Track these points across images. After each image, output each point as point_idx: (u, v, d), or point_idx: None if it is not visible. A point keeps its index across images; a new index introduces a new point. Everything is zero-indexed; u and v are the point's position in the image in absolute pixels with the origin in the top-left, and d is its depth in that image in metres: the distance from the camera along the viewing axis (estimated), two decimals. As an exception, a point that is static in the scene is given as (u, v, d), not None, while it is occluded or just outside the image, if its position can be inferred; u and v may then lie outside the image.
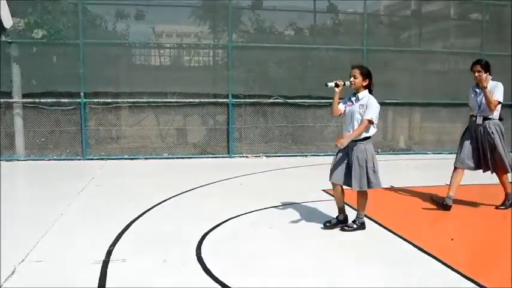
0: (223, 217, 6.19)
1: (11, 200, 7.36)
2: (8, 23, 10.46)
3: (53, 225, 5.88)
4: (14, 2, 10.56)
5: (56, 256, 4.85)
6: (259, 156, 11.37)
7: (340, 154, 5.72)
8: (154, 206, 6.80)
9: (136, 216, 6.29)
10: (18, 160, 10.73)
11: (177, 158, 11.18)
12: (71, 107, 10.98)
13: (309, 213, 6.48)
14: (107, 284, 4.17)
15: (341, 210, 5.88)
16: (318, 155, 11.43)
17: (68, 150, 11.08)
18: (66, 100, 10.88)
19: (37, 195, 7.83)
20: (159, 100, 11.32)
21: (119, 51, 11.78)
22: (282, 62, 11.87)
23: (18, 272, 4.43)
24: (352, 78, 5.59)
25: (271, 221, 6.16)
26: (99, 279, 4.27)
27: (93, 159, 10.88)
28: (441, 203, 6.81)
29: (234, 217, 6.26)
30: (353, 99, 5.66)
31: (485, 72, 6.58)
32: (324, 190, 7.70)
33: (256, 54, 11.83)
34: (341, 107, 5.71)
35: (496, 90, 6.59)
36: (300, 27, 12.19)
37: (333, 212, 6.01)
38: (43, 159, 10.80)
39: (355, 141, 5.54)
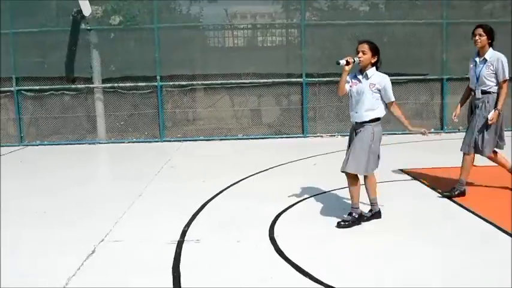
0: (297, 198, 6.14)
1: (93, 181, 7.66)
2: (87, 11, 10.79)
3: (131, 206, 6.05)
4: (92, -10, 10.89)
5: (133, 236, 4.99)
6: (334, 136, 11.19)
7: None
8: (229, 187, 6.85)
9: (211, 196, 6.36)
10: (100, 143, 11.14)
11: (251, 138, 11.22)
12: (148, 91, 11.25)
13: (384, 194, 6.29)
14: (181, 264, 4.24)
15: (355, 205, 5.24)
16: (396, 133, 11.07)
17: (146, 133, 11.38)
18: (143, 84, 11.16)
19: (116, 177, 8.11)
20: (233, 81, 11.36)
21: (193, 34, 11.89)
22: (356, 38, 11.51)
23: (97, 251, 4.59)
24: (360, 54, 5.02)
25: (345, 201, 6.04)
26: (174, 259, 4.34)
27: (170, 141, 11.12)
28: (454, 191, 6.16)
29: (308, 197, 6.19)
30: (359, 77, 5.10)
31: (488, 39, 5.94)
32: (401, 170, 7.47)
33: (329, 32, 11.58)
34: (346, 86, 5.15)
35: (499, 65, 5.90)
36: (375, 2, 11.78)
37: (410, 193, 5.81)
38: (123, 142, 11.17)
39: (362, 123, 5.07)
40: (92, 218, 5.61)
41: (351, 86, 5.13)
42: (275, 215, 5.49)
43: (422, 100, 11.57)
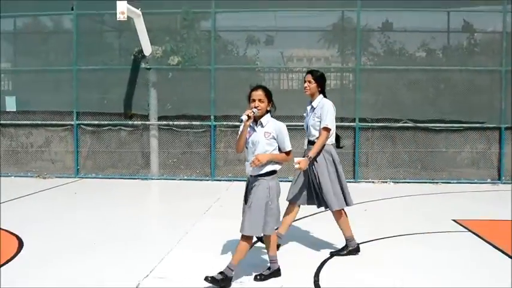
0: (344, 243, 6.01)
1: (142, 216, 7.77)
2: (147, 50, 11.20)
3: (177, 243, 6.09)
4: (153, 31, 11.28)
5: (177, 273, 5.00)
6: (386, 182, 10.98)
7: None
8: (276, 229, 6.78)
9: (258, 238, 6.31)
10: (152, 179, 11.34)
11: (302, 181, 11.13)
12: (201, 130, 11.44)
13: (437, 245, 6.11)
14: (223, 305, 4.21)
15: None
16: (450, 182, 10.79)
17: (197, 171, 11.52)
18: (197, 123, 11.36)
19: (165, 213, 8.20)
20: (286, 123, 11.36)
21: (249, 75, 12.06)
22: (412, 84, 11.42)
23: (141, 286, 4.61)
24: (257, 103, 4.71)
25: (396, 250, 5.89)
26: (216, 300, 4.32)
27: (220, 180, 11.20)
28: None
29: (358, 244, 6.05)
30: (253, 125, 4.82)
31: (318, 87, 5.73)
32: (454, 220, 7.23)
33: (385, 77, 11.53)
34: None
35: (323, 112, 5.63)
36: (432, 48, 11.66)
37: (465, 245, 5.59)
38: (174, 179, 11.32)
39: (257, 177, 4.80)
40: (139, 253, 5.68)
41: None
42: (321, 261, 5.40)
43: (479, 149, 11.24)
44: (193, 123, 11.40)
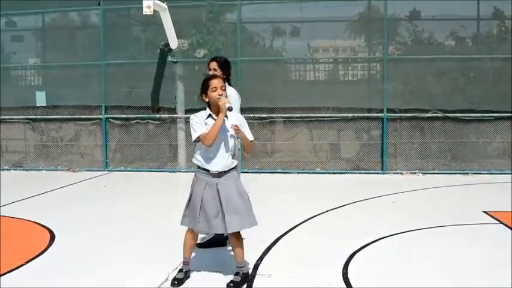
0: (373, 236, 5.98)
1: (169, 208, 7.82)
2: (174, 44, 11.24)
3: (205, 236, 6.11)
4: (180, 24, 11.32)
5: (205, 266, 5.01)
6: (415, 173, 10.85)
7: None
8: (304, 221, 6.79)
9: (286, 231, 6.32)
10: (180, 172, 11.42)
11: (329, 173, 11.09)
12: (228, 122, 11.44)
13: (467, 238, 6.02)
14: (252, 299, 4.22)
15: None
16: (480, 173, 10.62)
17: (224, 164, 11.54)
18: (224, 115, 11.37)
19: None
20: (312, 115, 11.35)
21: (275, 67, 12.05)
22: (441, 74, 11.22)
23: (169, 279, 4.66)
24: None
25: (424, 243, 5.82)
26: (245, 293, 4.34)
27: (247, 172, 11.18)
28: None
29: (385, 237, 6.01)
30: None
31: (224, 74, 5.48)
32: (485, 212, 7.12)
33: (413, 67, 11.36)
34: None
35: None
36: (462, 36, 11.45)
37: (496, 237, 5.49)
38: (201, 172, 11.35)
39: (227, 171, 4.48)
40: (167, 245, 5.68)
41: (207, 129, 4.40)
42: (350, 254, 5.37)
43: (510, 139, 11.01)
44: (220, 115, 11.40)
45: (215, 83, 4.45)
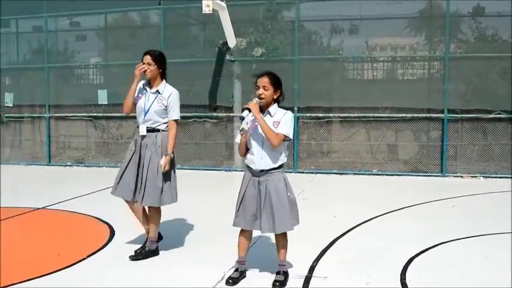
0: (432, 241, 5.83)
1: (226, 208, 7.88)
2: (232, 43, 11.31)
3: (259, 237, 6.12)
4: (238, 23, 11.38)
5: (259, 267, 5.02)
6: (476, 177, 10.49)
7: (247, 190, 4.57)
8: (360, 224, 6.71)
9: (341, 233, 6.26)
10: (235, 171, 11.49)
11: (386, 174, 10.88)
12: (285, 121, 11.41)
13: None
14: (308, 302, 4.20)
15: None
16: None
17: (280, 163, 11.53)
18: (280, 114, 11.35)
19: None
20: (370, 115, 11.18)
21: (332, 65, 11.94)
22: (505, 72, 10.80)
23: (226, 276, 4.70)
24: (261, 90, 4.40)
25: (485, 250, 5.63)
26: (300, 296, 4.32)
27: (303, 172, 11.16)
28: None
29: (444, 242, 5.85)
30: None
31: (159, 68, 5.39)
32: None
33: (476, 65, 10.99)
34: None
35: (173, 102, 5.40)
36: (529, 32, 11.01)
37: None
38: (258, 170, 11.39)
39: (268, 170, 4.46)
40: (224, 244, 5.71)
41: (249, 128, 4.48)
42: (408, 258, 5.26)
43: None
44: (277, 114, 11.40)
45: (258, 81, 4.45)
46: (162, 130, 5.35)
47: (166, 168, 5.28)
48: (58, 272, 4.96)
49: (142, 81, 5.49)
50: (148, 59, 5.35)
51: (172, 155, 5.37)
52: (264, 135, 4.37)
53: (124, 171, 5.36)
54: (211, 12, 10.13)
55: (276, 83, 4.45)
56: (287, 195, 4.49)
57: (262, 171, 4.46)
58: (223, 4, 10.62)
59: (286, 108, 10.82)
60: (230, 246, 5.12)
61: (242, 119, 4.48)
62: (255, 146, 4.48)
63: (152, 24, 12.79)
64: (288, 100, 11.24)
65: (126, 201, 5.50)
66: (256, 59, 11.48)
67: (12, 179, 10.63)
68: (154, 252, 5.44)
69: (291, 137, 4.45)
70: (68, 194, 8.67)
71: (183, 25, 12.88)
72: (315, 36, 12.04)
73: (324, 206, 7.95)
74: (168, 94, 5.39)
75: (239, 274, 4.70)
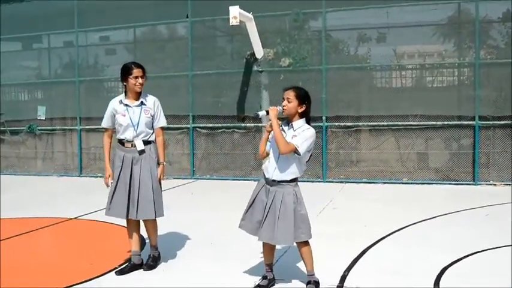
0: (466, 250, 5.73)
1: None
2: (259, 54, 11.37)
3: (290, 247, 6.10)
4: (265, 34, 11.45)
5: (291, 276, 5.00)
6: (509, 185, 10.28)
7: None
8: (391, 233, 6.63)
9: (373, 242, 6.20)
10: (264, 180, 11.50)
11: (417, 183, 10.74)
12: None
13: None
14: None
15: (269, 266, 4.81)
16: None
17: (309, 172, 11.50)
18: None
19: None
20: (399, 123, 11.07)
21: (360, 74, 11.88)
22: (539, 77, 10.60)
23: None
24: (285, 102, 4.46)
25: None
26: (332, 306, 4.29)
27: (332, 181, 11.10)
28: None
29: (479, 251, 5.75)
30: (285, 128, 4.51)
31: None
32: None
33: (507, 71, 10.79)
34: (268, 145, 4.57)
35: (160, 110, 5.47)
36: (562, 37, 10.78)
37: None
38: (286, 180, 11.37)
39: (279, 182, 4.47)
40: (253, 254, 5.72)
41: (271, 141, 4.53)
42: (441, 267, 5.18)
43: None
44: (305, 124, 11.38)
45: (284, 93, 4.54)
46: (152, 141, 5.37)
47: (163, 177, 5.38)
48: (91, 281, 5.02)
49: (118, 99, 5.44)
50: (141, 72, 5.35)
51: (164, 163, 5.43)
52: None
53: (114, 191, 5.34)
54: (238, 23, 10.21)
55: (302, 97, 4.48)
56: (294, 209, 4.46)
57: (274, 181, 4.50)
58: (250, 16, 10.69)
59: (315, 118, 10.86)
60: (257, 256, 5.12)
61: (256, 116, 4.68)
62: (272, 155, 4.52)
63: (180, 36, 12.93)
64: (316, 109, 11.33)
65: (127, 219, 5.44)
66: (284, 69, 11.51)
67: (45, 190, 10.83)
68: (157, 260, 5.50)
69: (301, 152, 4.39)
70: (99, 204, 8.73)
71: (211, 37, 13.01)
72: (342, 45, 11.99)
73: (354, 215, 7.89)
74: (152, 102, 5.42)
75: (268, 282, 4.71)
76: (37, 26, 13.38)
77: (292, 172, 4.48)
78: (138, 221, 5.46)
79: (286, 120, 4.55)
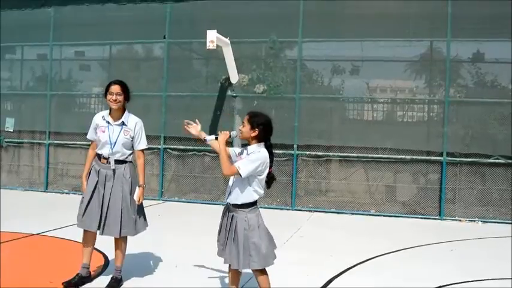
0: (429, 284, 5.78)
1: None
2: (234, 79, 11.43)
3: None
4: (240, 60, 11.52)
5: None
6: (474, 221, 10.45)
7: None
8: (356, 265, 6.64)
9: (337, 273, 6.19)
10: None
11: (384, 215, 10.83)
12: (284, 158, 11.43)
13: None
14: None
15: None
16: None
17: (278, 200, 11.51)
18: (280, 151, 11.33)
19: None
20: (369, 155, 11.19)
21: (333, 105, 12.00)
22: (504, 118, 10.87)
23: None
24: (240, 126, 4.55)
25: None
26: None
27: (301, 210, 11.11)
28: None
29: (442, 286, 5.79)
30: (244, 152, 4.53)
31: (125, 99, 5.40)
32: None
33: (475, 110, 11.07)
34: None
35: (141, 131, 5.53)
36: (527, 80, 11.12)
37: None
38: (255, 207, 11.34)
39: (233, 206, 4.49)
40: (209, 279, 5.65)
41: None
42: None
43: None
44: (276, 151, 11.34)
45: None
46: (129, 161, 5.37)
47: (141, 200, 5.36)
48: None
49: (101, 114, 5.46)
50: (117, 88, 5.32)
51: (144, 186, 5.40)
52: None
53: (88, 203, 5.28)
54: (215, 48, 10.25)
55: (254, 122, 4.48)
56: (244, 235, 4.41)
57: (230, 204, 4.52)
58: (227, 40, 10.76)
59: (287, 146, 10.89)
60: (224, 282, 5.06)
61: (204, 141, 4.76)
62: (231, 178, 4.54)
63: (156, 57, 12.91)
64: (287, 137, 11.38)
65: (84, 231, 5.38)
66: (258, 95, 11.57)
67: (8, 204, 10.56)
68: (119, 282, 5.41)
69: (242, 174, 4.32)
70: (63, 221, 8.58)
71: (187, 59, 13.00)
72: (316, 76, 12.15)
73: (321, 244, 7.89)
74: (134, 124, 5.42)
75: None
76: (11, 36, 13.19)
77: (245, 197, 4.44)
78: (95, 234, 5.38)
79: (247, 144, 4.56)
